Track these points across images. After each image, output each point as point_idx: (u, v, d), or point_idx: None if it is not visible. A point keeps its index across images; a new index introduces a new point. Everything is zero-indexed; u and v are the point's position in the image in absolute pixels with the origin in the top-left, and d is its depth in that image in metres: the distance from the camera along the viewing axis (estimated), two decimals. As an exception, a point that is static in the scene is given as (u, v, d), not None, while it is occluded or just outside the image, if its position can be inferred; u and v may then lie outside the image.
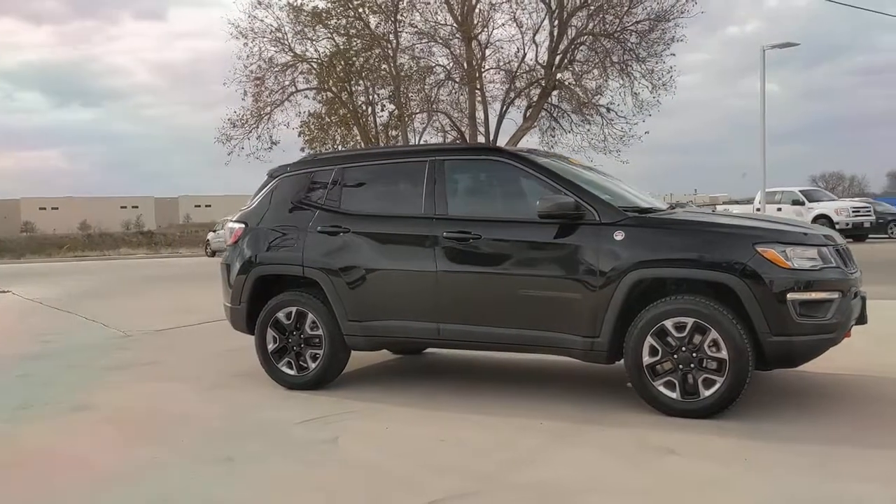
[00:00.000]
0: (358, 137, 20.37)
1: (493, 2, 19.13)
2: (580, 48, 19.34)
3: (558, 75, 19.39)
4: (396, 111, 20.29)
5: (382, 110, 20.76)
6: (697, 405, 5.04)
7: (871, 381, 5.93)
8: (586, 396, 5.79)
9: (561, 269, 5.38)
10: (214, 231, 38.62)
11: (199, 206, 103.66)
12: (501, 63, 19.82)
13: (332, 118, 21.09)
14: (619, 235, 5.25)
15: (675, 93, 19.28)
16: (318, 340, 6.19)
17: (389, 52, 19.66)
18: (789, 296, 4.90)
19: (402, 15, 19.59)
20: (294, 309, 6.25)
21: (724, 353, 4.95)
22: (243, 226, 6.61)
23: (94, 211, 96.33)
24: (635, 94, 19.18)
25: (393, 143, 20.60)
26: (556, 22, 18.85)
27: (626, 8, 18.91)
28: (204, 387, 6.62)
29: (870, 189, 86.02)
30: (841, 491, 3.81)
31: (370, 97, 20.69)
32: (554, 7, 18.74)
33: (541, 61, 19.42)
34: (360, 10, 19.74)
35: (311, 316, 6.19)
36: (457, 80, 19.45)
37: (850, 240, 19.45)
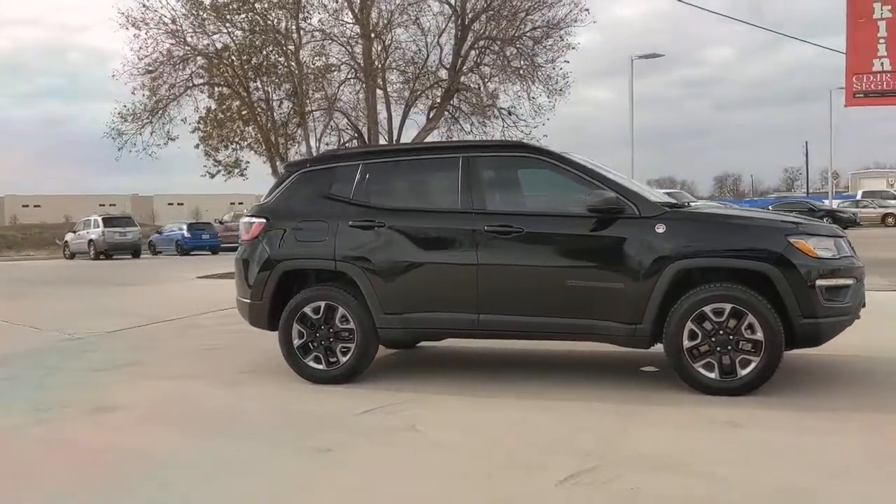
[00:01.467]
0: (257, 136, 19.98)
1: (398, 2, 19.30)
2: (487, 52, 19.85)
3: (462, 78, 19.85)
4: (294, 109, 20.05)
5: (280, 106, 20.44)
6: (735, 384, 5.49)
7: (859, 359, 6.60)
8: (619, 381, 6.14)
9: (606, 261, 5.72)
10: (75, 232, 36.57)
11: (28, 206, 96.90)
12: (405, 63, 20.05)
13: (226, 114, 20.56)
14: (660, 228, 5.63)
15: (570, 98, 20.18)
16: (347, 334, 6.22)
17: (290, 49, 19.43)
18: (818, 282, 5.44)
19: (306, 12, 19.43)
20: (323, 303, 6.25)
21: (759, 335, 5.42)
22: (264, 220, 6.53)
23: None
24: (532, 98, 19.92)
25: (297, 142, 20.39)
26: (460, 24, 19.26)
27: (522, 15, 19.57)
28: (221, 383, 6.49)
29: (699, 192, 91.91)
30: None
31: (268, 94, 20.32)
32: (460, 10, 19.15)
33: (445, 63, 19.81)
34: (257, 4, 19.40)
35: (341, 310, 6.21)
36: (361, 78, 19.45)
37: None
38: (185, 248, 35.82)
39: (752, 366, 5.47)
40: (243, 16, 19.36)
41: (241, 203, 71.51)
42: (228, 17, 19.18)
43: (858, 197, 49.02)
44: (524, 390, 5.90)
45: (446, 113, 20.34)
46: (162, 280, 19.41)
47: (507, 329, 6.02)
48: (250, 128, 20.47)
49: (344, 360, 6.24)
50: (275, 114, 20.27)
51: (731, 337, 5.50)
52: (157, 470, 4.39)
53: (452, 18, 19.53)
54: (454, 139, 6.00)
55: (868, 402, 5.30)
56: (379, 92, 20.08)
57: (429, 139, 20.24)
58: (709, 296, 5.54)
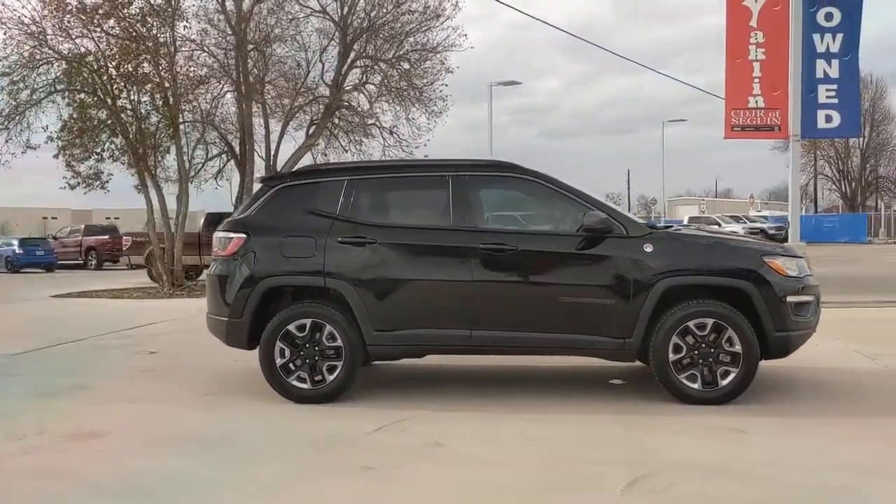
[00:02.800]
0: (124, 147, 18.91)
1: (281, 17, 18.99)
2: (370, 72, 19.90)
3: (345, 96, 19.78)
4: (164, 121, 19.21)
5: (147, 117, 19.49)
6: (717, 393, 5.89)
7: (813, 370, 7.19)
8: (600, 393, 6.42)
9: (598, 278, 5.98)
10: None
11: None
12: (285, 78, 19.71)
13: (88, 123, 19.37)
14: (648, 248, 5.97)
15: (448, 120, 20.65)
16: (333, 352, 6.13)
17: (163, 60, 18.61)
18: (788, 298, 5.96)
19: (188, 22, 18.70)
20: (309, 321, 6.13)
21: (737, 348, 5.86)
22: (244, 236, 6.31)
23: None
24: (411, 119, 20.17)
25: (164, 155, 19.50)
26: (343, 43, 19.21)
27: (401, 37, 19.81)
28: (194, 406, 6.21)
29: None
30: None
31: (134, 104, 19.33)
32: (342, 28, 19.08)
33: (326, 80, 19.68)
34: (126, 10, 18.49)
35: (328, 327, 6.11)
36: (240, 91, 18.94)
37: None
38: (16, 266, 33.16)
39: (732, 376, 5.88)
40: (113, 21, 18.38)
41: (54, 218, 63.74)
42: (97, 21, 18.14)
43: (685, 222, 52.74)
44: (519, 405, 6.04)
45: (327, 130, 20.19)
46: (11, 300, 17.93)
47: (500, 345, 6.15)
48: (117, 139, 19.38)
49: (331, 378, 6.14)
50: (143, 125, 19.31)
51: (712, 350, 5.90)
52: (208, 493, 4.18)
53: (336, 36, 19.45)
54: (441, 157, 6.03)
55: (850, 409, 5.84)
56: (258, 107, 19.65)
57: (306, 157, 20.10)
58: (693, 311, 5.91)
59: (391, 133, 19.93)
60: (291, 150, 19.76)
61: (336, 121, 20.15)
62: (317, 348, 6.14)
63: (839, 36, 13.45)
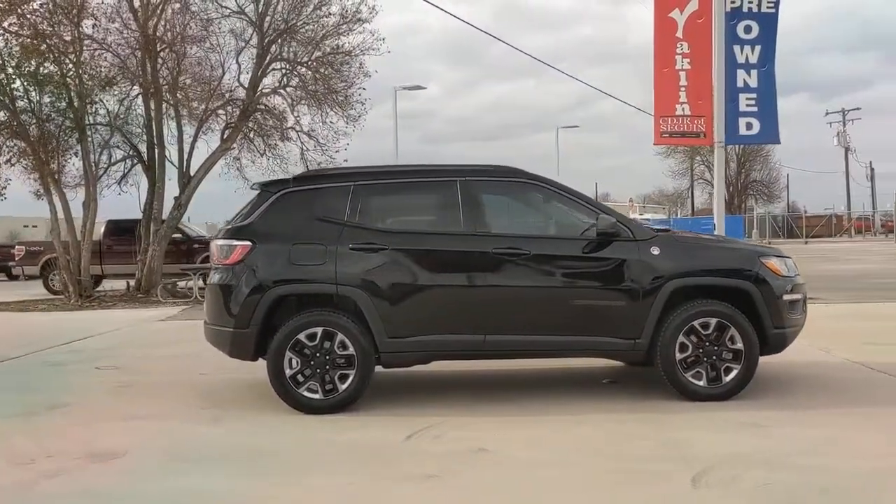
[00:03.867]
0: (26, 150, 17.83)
1: (195, 15, 18.32)
2: (289, 75, 19.46)
3: (262, 99, 19.29)
4: (70, 123, 18.24)
5: (50, 118, 18.45)
6: (721, 389, 6.13)
7: (778, 365, 7.55)
8: (601, 393, 6.57)
9: (609, 281, 6.13)
10: None
11: None
12: (198, 80, 19.04)
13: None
14: (655, 250, 6.16)
15: (365, 126, 20.48)
16: (345, 361, 6.02)
17: (69, 60, 17.67)
18: (784, 297, 6.28)
19: (97, 20, 17.76)
20: (320, 329, 6.00)
21: (739, 345, 6.12)
22: (249, 243, 6.10)
23: None
24: (330, 123, 19.86)
25: (69, 159, 18.48)
26: (261, 45, 18.73)
27: (319, 40, 19.49)
28: (203, 421, 5.96)
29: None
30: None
31: (33, 106, 18.26)
32: (259, 29, 18.60)
33: (243, 82, 19.15)
34: (27, 5, 17.50)
35: (339, 335, 6.00)
36: (150, 93, 18.18)
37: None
38: None
39: (735, 373, 6.14)
40: (14, 18, 17.35)
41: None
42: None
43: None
44: (535, 408, 6.12)
45: (242, 134, 19.65)
46: None
47: (514, 349, 6.21)
48: (17, 142, 18.27)
49: (343, 387, 6.02)
50: (45, 127, 18.27)
51: (715, 348, 6.14)
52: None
53: (254, 37, 18.97)
54: (447, 163, 5.96)
55: (842, 400, 6.19)
56: (168, 109, 18.94)
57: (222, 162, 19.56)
58: (698, 311, 6.14)
59: (310, 136, 19.59)
60: (205, 156, 19.10)
61: (251, 124, 19.63)
62: (328, 357, 6.01)
63: (757, 48, 14.14)
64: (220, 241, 6.31)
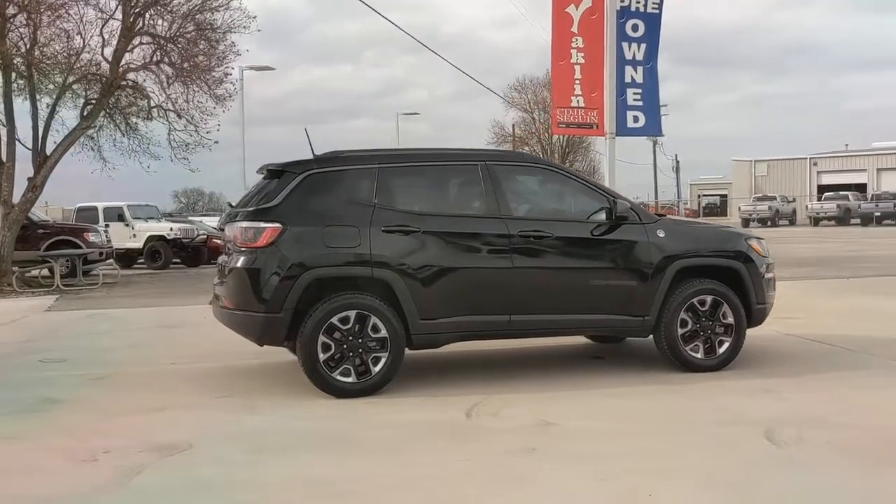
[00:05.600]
0: None
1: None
2: (157, 50, 18.32)
3: (127, 75, 18.09)
4: None
5: None
6: (715, 361, 6.68)
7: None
8: (599, 367, 6.95)
9: (624, 261, 6.52)
10: None
11: None
12: (60, 52, 17.51)
13: None
14: (661, 233, 6.61)
15: (231, 107, 19.82)
16: (377, 343, 6.01)
17: None
18: (766, 275, 6.93)
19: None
20: (354, 312, 5.95)
21: (730, 320, 6.70)
22: (279, 226, 5.92)
23: None
24: (197, 102, 19.00)
25: None
26: (126, 18, 17.54)
27: (184, 14, 18.60)
28: (235, 409, 5.76)
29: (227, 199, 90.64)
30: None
31: None
32: (126, 2, 17.42)
33: (107, 57, 17.83)
34: None
35: (372, 318, 5.98)
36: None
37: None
38: None
39: (727, 345, 6.72)
40: None
41: None
42: None
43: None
44: (571, 383, 6.37)
45: (105, 112, 18.40)
46: None
47: (537, 328, 6.45)
48: None
49: (376, 370, 6.01)
50: None
51: (710, 323, 6.69)
52: (408, 486, 4.07)
53: (120, 9, 17.78)
54: (465, 147, 5.97)
55: (820, 367, 6.87)
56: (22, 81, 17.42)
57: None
58: (697, 289, 6.66)
59: (179, 116, 18.63)
60: (63, 135, 17.69)
61: (114, 101, 18.40)
62: (360, 340, 5.97)
63: (643, 45, 15.07)
64: (245, 224, 6.07)
